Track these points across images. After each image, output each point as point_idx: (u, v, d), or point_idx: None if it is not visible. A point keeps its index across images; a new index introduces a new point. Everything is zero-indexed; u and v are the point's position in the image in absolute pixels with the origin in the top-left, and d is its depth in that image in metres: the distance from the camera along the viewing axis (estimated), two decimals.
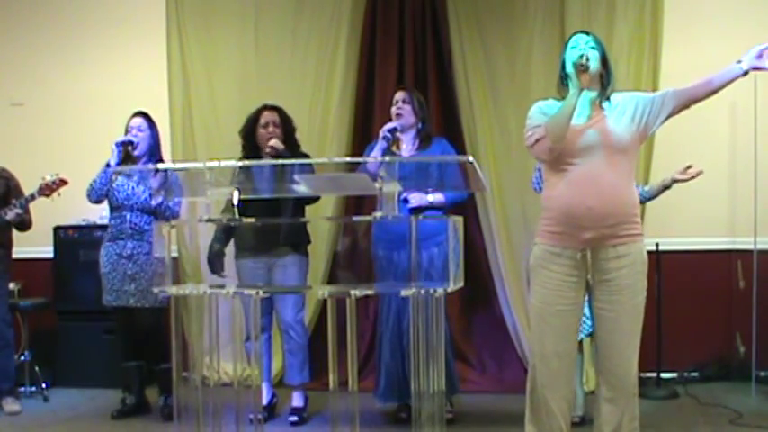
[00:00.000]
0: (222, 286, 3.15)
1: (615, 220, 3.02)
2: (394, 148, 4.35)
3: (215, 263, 4.51)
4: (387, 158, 3.37)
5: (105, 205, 4.75)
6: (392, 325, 4.33)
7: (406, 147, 4.41)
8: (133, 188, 4.57)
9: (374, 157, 4.08)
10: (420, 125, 4.42)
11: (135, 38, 5.87)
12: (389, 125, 4.27)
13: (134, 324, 4.59)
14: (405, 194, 4.20)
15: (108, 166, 4.52)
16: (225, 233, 4.56)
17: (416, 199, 4.26)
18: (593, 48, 3.12)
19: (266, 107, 4.61)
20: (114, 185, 4.57)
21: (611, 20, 5.17)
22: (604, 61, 3.15)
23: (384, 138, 4.22)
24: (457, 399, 4.52)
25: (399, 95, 4.44)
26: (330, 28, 5.46)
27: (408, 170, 3.34)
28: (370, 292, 2.94)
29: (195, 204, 4.95)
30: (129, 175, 4.56)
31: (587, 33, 3.20)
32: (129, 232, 4.55)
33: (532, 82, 5.28)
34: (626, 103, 3.13)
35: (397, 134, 4.32)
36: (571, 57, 3.10)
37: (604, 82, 3.15)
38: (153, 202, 4.54)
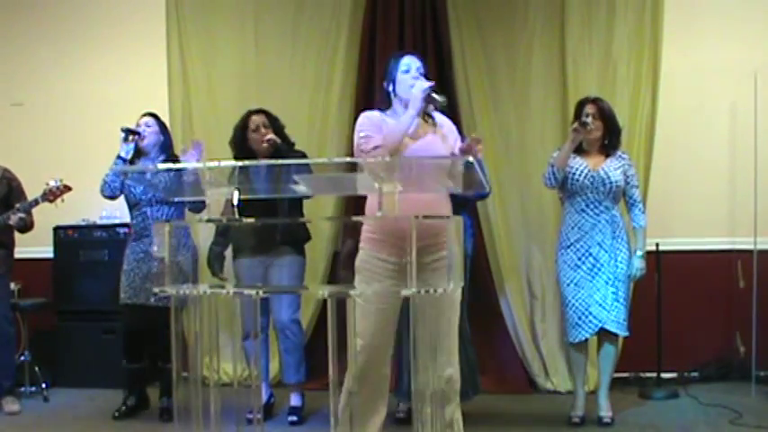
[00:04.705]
0: (221, 287, 3.14)
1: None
2: None
3: (214, 265, 4.51)
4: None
5: (105, 205, 4.74)
6: None
7: None
8: (150, 181, 4.50)
9: None
10: None
11: (135, 38, 5.87)
12: None
13: (145, 323, 4.49)
14: None
15: (119, 158, 4.48)
16: (223, 236, 4.55)
17: None
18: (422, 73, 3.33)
19: (251, 112, 4.55)
20: (129, 182, 4.50)
21: (611, 20, 5.17)
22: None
23: None
24: None
25: None
26: (330, 28, 5.47)
27: None
28: (369, 292, 2.94)
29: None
30: (142, 173, 4.51)
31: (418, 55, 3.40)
32: (152, 229, 4.48)
33: (532, 82, 5.29)
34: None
35: None
36: (405, 81, 3.31)
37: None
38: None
